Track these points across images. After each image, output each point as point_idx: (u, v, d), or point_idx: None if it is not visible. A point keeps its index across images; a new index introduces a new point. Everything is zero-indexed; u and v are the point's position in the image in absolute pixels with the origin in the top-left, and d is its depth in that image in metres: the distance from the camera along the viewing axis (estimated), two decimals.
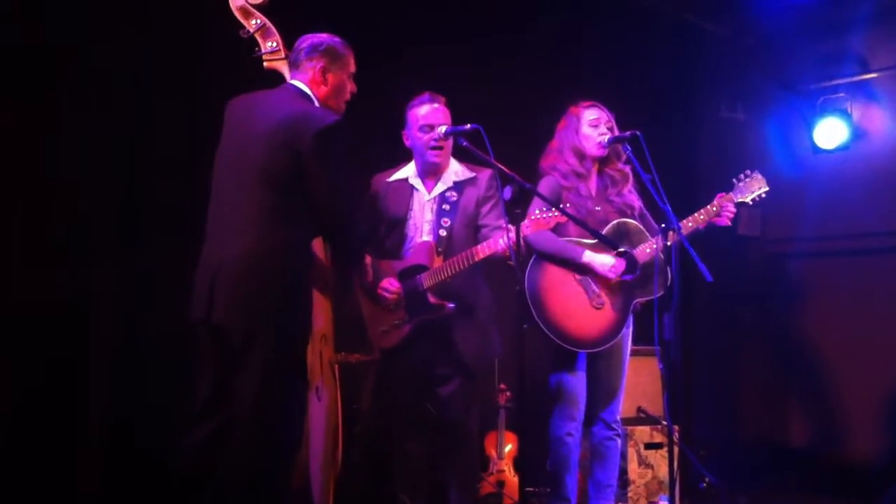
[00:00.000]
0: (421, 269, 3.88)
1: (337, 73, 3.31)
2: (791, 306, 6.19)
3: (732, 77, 6.34)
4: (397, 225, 4.01)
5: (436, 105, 3.94)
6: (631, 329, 4.15)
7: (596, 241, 3.99)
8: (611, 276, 4.00)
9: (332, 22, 3.53)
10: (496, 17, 5.33)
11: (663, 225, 3.69)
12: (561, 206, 3.73)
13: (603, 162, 4.16)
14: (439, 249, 3.90)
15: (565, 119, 4.18)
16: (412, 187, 4.02)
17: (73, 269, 4.01)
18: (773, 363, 6.31)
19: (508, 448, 4.98)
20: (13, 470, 3.81)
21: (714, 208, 4.10)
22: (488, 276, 4.01)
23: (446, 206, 3.95)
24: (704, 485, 5.32)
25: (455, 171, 4.01)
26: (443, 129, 3.77)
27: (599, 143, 4.07)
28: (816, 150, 6.06)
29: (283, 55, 3.42)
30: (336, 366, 3.59)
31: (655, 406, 5.04)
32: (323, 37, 3.32)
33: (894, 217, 5.75)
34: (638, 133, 3.77)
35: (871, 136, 5.95)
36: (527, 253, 3.99)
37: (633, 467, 4.85)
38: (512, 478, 4.90)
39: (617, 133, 4.09)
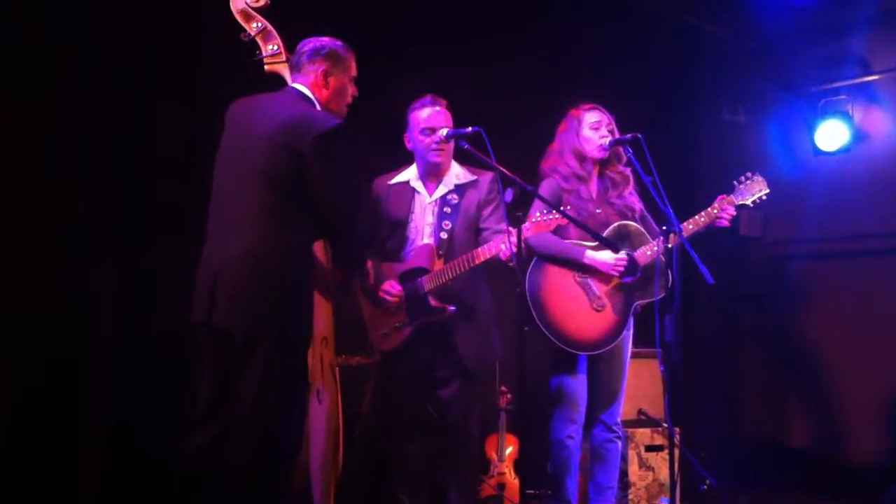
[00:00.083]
0: (422, 271, 3.88)
1: (338, 77, 3.31)
2: (792, 308, 6.19)
3: (733, 79, 6.34)
4: (398, 227, 4.00)
5: (437, 108, 3.94)
6: (631, 331, 4.14)
7: (597, 243, 3.99)
8: (614, 272, 3.99)
9: (332, 24, 3.54)
10: (496, 17, 5.33)
11: (664, 227, 3.69)
12: (562, 208, 3.73)
13: (604, 164, 4.15)
14: (440, 252, 3.90)
15: (566, 121, 4.18)
16: (413, 190, 4.02)
17: (73, 269, 4.01)
18: (773, 365, 6.31)
19: (509, 450, 4.98)
20: (13, 470, 3.81)
21: (715, 210, 4.10)
22: (489, 278, 4.01)
23: (447, 209, 3.95)
24: (705, 487, 5.33)
25: (456, 173, 4.01)
26: (444, 131, 3.77)
27: (600, 145, 4.07)
28: (817, 152, 6.06)
29: (284, 58, 3.41)
30: (337, 368, 3.59)
31: (656, 408, 5.04)
32: (325, 40, 3.32)
33: (895, 219, 5.75)
34: (639, 135, 3.77)
35: (872, 139, 5.94)
36: (527, 255, 3.99)
37: (633, 469, 4.85)
38: (512, 480, 4.90)
39: (618, 135, 4.09)
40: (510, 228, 3.41)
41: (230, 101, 3.32)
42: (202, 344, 3.15)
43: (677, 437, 3.85)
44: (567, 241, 4.04)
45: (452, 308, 3.83)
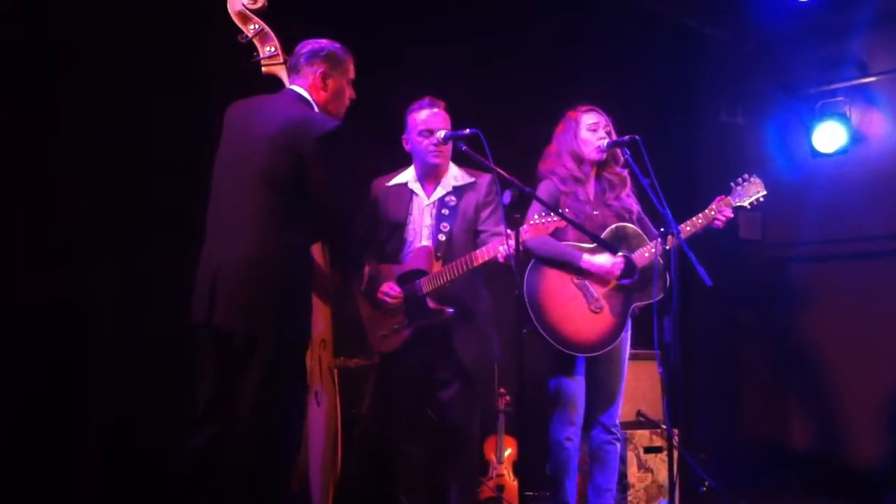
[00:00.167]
0: (420, 273, 3.88)
1: (337, 79, 3.31)
2: (791, 309, 6.20)
3: (732, 81, 6.35)
4: (396, 229, 4.00)
5: (435, 110, 3.93)
6: (629, 333, 4.14)
7: (595, 245, 3.99)
8: (610, 276, 4.00)
9: (330, 26, 3.53)
10: (496, 17, 5.33)
11: (662, 229, 3.69)
12: (559, 210, 3.73)
13: (601, 166, 4.15)
14: (438, 254, 3.90)
15: (563, 123, 4.18)
16: (411, 192, 4.02)
17: (73, 269, 4.02)
18: (773, 366, 6.32)
19: (508, 452, 4.98)
20: (13, 470, 3.81)
21: (712, 212, 4.11)
22: (487, 280, 4.01)
23: (445, 211, 3.95)
24: (704, 488, 5.33)
25: (454, 175, 4.01)
26: (442, 133, 3.77)
27: (598, 147, 4.07)
28: (815, 153, 6.08)
29: (281, 60, 3.42)
30: (335, 370, 3.59)
31: (655, 410, 5.04)
32: (323, 42, 3.32)
33: (894, 220, 5.76)
34: (637, 137, 3.77)
35: (870, 140, 5.96)
36: (525, 257, 3.99)
37: (632, 471, 4.85)
38: (511, 482, 4.90)
39: (615, 137, 4.09)
40: (508, 231, 3.41)
41: (230, 102, 3.32)
42: (202, 344, 3.15)
43: (676, 438, 3.85)
44: (565, 242, 4.04)
45: (451, 310, 3.83)
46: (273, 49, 3.43)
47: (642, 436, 4.92)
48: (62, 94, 4.03)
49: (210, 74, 4.25)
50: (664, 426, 4.85)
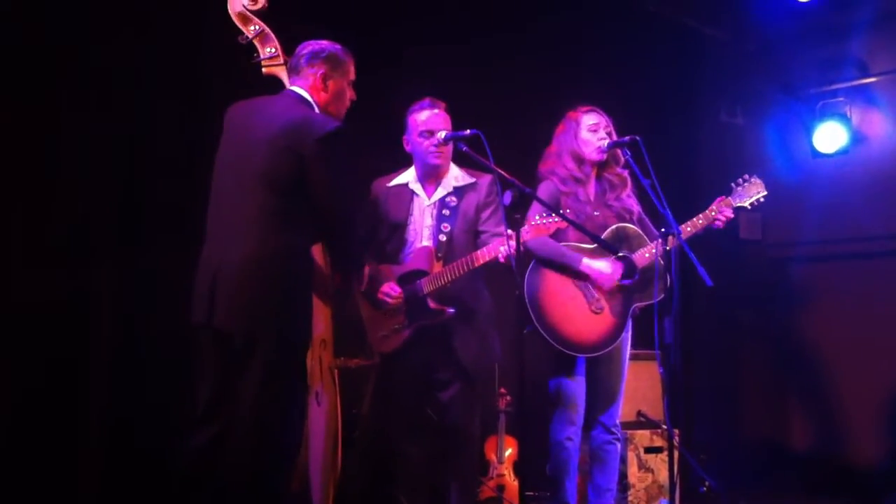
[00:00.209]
0: (420, 274, 3.88)
1: (337, 80, 3.31)
2: (791, 309, 6.20)
3: (732, 81, 6.35)
4: (397, 230, 4.00)
5: (436, 110, 3.93)
6: (630, 333, 4.14)
7: (595, 245, 3.99)
8: (606, 284, 3.99)
9: (331, 27, 3.53)
10: (496, 17, 5.33)
11: (663, 229, 3.69)
12: (560, 210, 3.73)
13: (601, 167, 4.15)
14: (439, 254, 3.90)
15: (564, 123, 4.18)
16: (412, 192, 4.02)
17: (73, 269, 4.01)
18: (774, 366, 6.32)
19: (508, 452, 4.98)
20: (13, 470, 3.81)
21: (713, 213, 4.11)
22: (488, 280, 4.01)
23: (446, 212, 3.95)
24: (705, 489, 5.33)
25: (455, 175, 4.01)
26: (442, 134, 3.76)
27: (598, 147, 4.07)
28: (816, 154, 6.08)
29: (281, 61, 3.42)
30: (335, 371, 3.59)
31: (655, 410, 5.04)
32: (324, 43, 3.32)
33: (894, 220, 5.76)
34: (637, 138, 3.76)
35: (871, 141, 5.96)
36: (526, 258, 3.98)
37: (633, 471, 4.85)
38: (512, 482, 4.90)
39: (616, 137, 4.09)
40: (509, 231, 3.41)
41: (230, 102, 3.32)
42: (202, 344, 3.15)
43: (676, 438, 3.86)
44: (565, 243, 4.04)
45: (451, 310, 3.83)
46: (273, 50, 3.43)
47: (643, 436, 4.92)
48: (62, 94, 4.03)
49: (210, 75, 4.26)
50: (664, 426, 4.85)
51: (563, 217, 3.65)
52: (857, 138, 5.96)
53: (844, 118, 5.94)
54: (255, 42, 3.44)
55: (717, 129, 6.36)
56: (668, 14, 5.99)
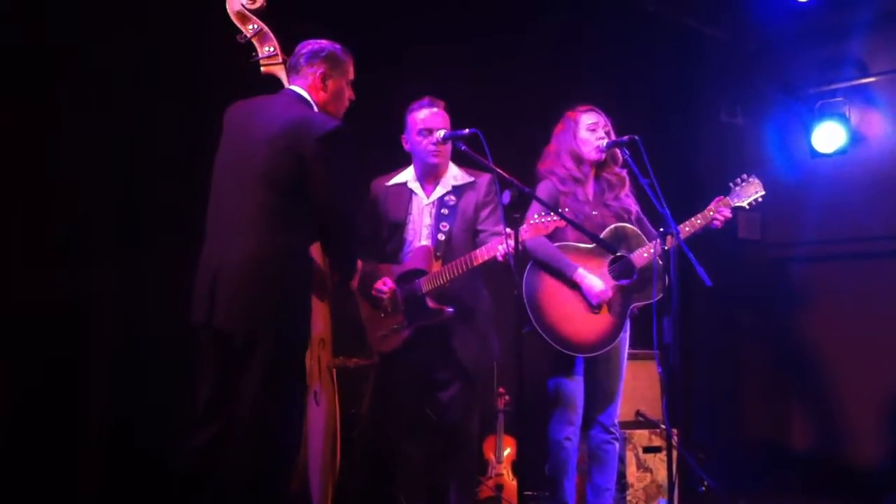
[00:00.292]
0: (419, 273, 3.88)
1: (337, 80, 3.31)
2: (791, 309, 6.20)
3: (732, 81, 6.35)
4: (396, 229, 4.00)
5: (435, 109, 3.93)
6: (628, 333, 4.14)
7: (593, 245, 3.99)
8: (593, 300, 3.99)
9: (330, 26, 3.54)
10: (496, 17, 5.33)
11: (661, 229, 3.70)
12: (559, 210, 3.74)
13: (600, 166, 4.15)
14: (438, 254, 3.90)
15: (563, 123, 4.18)
16: (411, 191, 4.02)
17: (73, 269, 4.02)
18: (773, 366, 6.32)
19: (507, 452, 4.98)
20: (13, 470, 3.81)
21: (711, 212, 4.11)
22: (487, 280, 4.02)
23: (445, 211, 3.95)
24: (703, 488, 5.33)
25: (454, 175, 4.01)
26: (441, 133, 3.76)
27: (597, 147, 4.07)
28: (815, 154, 6.09)
29: (280, 60, 3.42)
30: (334, 370, 3.60)
31: (654, 410, 5.04)
32: (323, 43, 3.32)
33: (893, 220, 5.77)
34: (636, 137, 3.77)
35: (870, 140, 5.97)
36: (525, 257, 3.98)
37: (631, 471, 4.85)
38: (510, 482, 4.90)
39: (614, 137, 4.09)
40: (508, 230, 3.41)
41: (230, 102, 3.32)
42: (202, 344, 3.15)
43: (675, 438, 3.86)
44: (564, 243, 4.04)
45: (451, 310, 3.84)
46: (272, 49, 3.43)
47: (641, 435, 4.93)
48: (62, 94, 4.03)
49: (210, 74, 4.25)
50: (663, 426, 4.85)
51: (562, 216, 3.65)
52: (856, 138, 5.96)
53: (843, 118, 5.94)
54: (254, 41, 3.44)
55: (717, 128, 6.36)
56: (668, 14, 6.00)
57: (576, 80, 5.47)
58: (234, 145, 3.21)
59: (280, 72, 3.40)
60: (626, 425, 4.77)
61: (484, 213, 3.95)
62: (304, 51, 3.30)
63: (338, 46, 3.33)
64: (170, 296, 3.65)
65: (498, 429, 5.00)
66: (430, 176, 4.01)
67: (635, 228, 4.12)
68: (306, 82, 3.27)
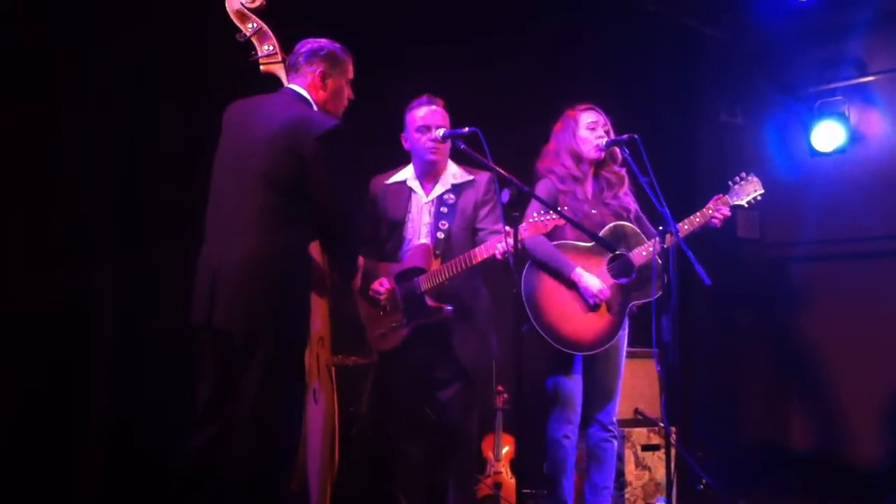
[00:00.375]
0: (418, 271, 3.88)
1: (336, 79, 3.31)
2: (790, 309, 6.20)
3: (732, 81, 6.35)
4: (395, 227, 4.00)
5: (434, 107, 3.94)
6: (627, 331, 4.15)
7: (592, 243, 3.99)
8: (590, 300, 3.99)
9: (330, 25, 3.54)
10: (496, 17, 5.33)
11: (661, 227, 3.70)
12: (558, 209, 3.74)
13: (599, 165, 4.15)
14: (437, 252, 3.90)
15: (562, 121, 4.18)
16: (410, 189, 4.02)
17: (73, 269, 4.02)
18: (773, 365, 6.32)
19: (506, 450, 4.98)
20: (13, 470, 3.82)
21: (710, 211, 4.11)
22: (486, 278, 4.02)
23: (444, 209, 3.96)
24: (702, 486, 5.33)
25: (453, 173, 4.01)
26: (440, 132, 3.76)
27: (597, 145, 4.07)
28: (814, 153, 6.09)
29: (279, 58, 3.42)
30: (333, 368, 3.60)
31: (653, 408, 5.04)
32: (323, 42, 3.32)
33: (893, 219, 5.77)
34: (636, 136, 3.77)
35: (869, 140, 5.97)
36: (524, 256, 3.99)
37: (630, 469, 4.85)
38: (509, 480, 4.91)
39: (614, 136, 4.09)
40: (507, 229, 3.41)
41: (230, 102, 3.32)
42: (202, 344, 3.15)
43: (674, 436, 3.86)
44: (563, 242, 4.04)
45: (450, 308, 3.84)
46: (271, 48, 3.43)
47: (640, 434, 4.93)
48: (62, 94, 4.04)
49: (210, 74, 4.26)
50: (662, 424, 4.85)
51: (562, 215, 3.65)
52: (856, 137, 5.97)
53: (843, 117, 5.95)
54: (253, 40, 3.44)
55: (717, 128, 6.37)
56: (668, 14, 6.00)
57: (576, 80, 5.47)
58: (233, 145, 3.21)
59: (279, 70, 3.40)
60: (624, 423, 4.78)
61: (483, 212, 3.95)
62: (303, 50, 3.30)
63: (337, 45, 3.33)
64: (170, 296, 3.65)
65: (497, 427, 5.00)
66: (429, 174, 4.01)
67: (634, 227, 4.12)
68: (306, 81, 3.27)
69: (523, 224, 3.66)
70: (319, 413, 3.43)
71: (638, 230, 4.12)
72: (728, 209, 4.13)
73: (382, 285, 3.89)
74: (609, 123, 4.14)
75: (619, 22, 5.86)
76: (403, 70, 4.80)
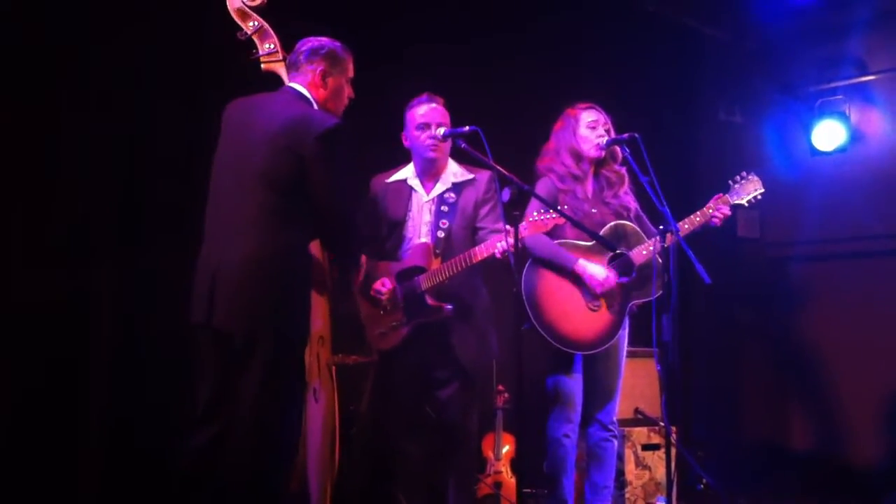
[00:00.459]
0: (418, 270, 3.88)
1: (336, 78, 3.31)
2: (790, 308, 6.20)
3: (731, 80, 6.36)
4: (396, 226, 4.00)
5: (433, 105, 3.94)
6: (627, 330, 4.15)
7: (593, 242, 3.99)
8: (597, 289, 3.99)
9: (330, 24, 3.54)
10: (496, 17, 5.34)
11: (661, 226, 3.70)
12: (558, 207, 3.74)
13: (599, 164, 4.15)
14: (437, 251, 3.90)
15: (562, 120, 4.18)
16: (411, 188, 4.02)
17: (73, 269, 4.02)
18: (773, 365, 6.32)
19: (506, 449, 4.98)
20: (13, 470, 3.81)
21: (710, 210, 4.11)
22: (486, 277, 4.02)
23: (445, 208, 3.96)
24: (702, 486, 5.33)
25: (454, 172, 4.01)
26: (441, 130, 3.77)
27: (597, 144, 4.07)
28: (814, 152, 6.09)
29: (280, 57, 3.42)
30: (333, 367, 3.60)
31: (653, 407, 5.04)
32: (324, 40, 3.32)
33: (893, 219, 5.77)
34: (636, 135, 3.77)
35: (869, 139, 5.97)
36: (524, 255, 3.99)
37: (630, 468, 4.85)
38: (509, 479, 4.91)
39: (614, 135, 4.09)
40: (507, 227, 3.41)
41: (229, 100, 3.32)
42: (202, 344, 3.15)
43: (674, 436, 3.86)
44: (563, 240, 4.04)
45: (450, 307, 3.84)
46: (272, 46, 3.44)
47: (640, 433, 4.93)
48: (62, 94, 4.04)
49: (210, 74, 4.25)
50: (662, 423, 4.85)
51: (562, 214, 3.65)
52: (856, 136, 5.97)
53: (843, 116, 5.95)
54: (254, 38, 3.44)
55: (717, 127, 6.37)
56: (668, 14, 6.01)
57: (576, 79, 5.47)
58: (233, 144, 3.21)
59: (280, 69, 3.40)
60: (624, 423, 4.78)
61: (483, 211, 3.95)
62: (304, 48, 3.29)
63: (338, 44, 3.33)
64: (170, 296, 3.65)
65: (497, 426, 5.00)
66: (429, 172, 4.01)
67: (634, 226, 4.12)
68: (306, 79, 3.27)
69: (523, 223, 3.65)
70: (319, 412, 3.43)
71: (638, 229, 4.11)
72: (728, 208, 4.13)
73: (384, 286, 3.89)
74: (609, 122, 4.14)
75: (619, 22, 5.86)
76: (404, 69, 4.80)
